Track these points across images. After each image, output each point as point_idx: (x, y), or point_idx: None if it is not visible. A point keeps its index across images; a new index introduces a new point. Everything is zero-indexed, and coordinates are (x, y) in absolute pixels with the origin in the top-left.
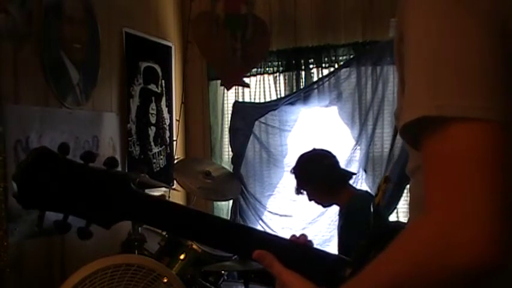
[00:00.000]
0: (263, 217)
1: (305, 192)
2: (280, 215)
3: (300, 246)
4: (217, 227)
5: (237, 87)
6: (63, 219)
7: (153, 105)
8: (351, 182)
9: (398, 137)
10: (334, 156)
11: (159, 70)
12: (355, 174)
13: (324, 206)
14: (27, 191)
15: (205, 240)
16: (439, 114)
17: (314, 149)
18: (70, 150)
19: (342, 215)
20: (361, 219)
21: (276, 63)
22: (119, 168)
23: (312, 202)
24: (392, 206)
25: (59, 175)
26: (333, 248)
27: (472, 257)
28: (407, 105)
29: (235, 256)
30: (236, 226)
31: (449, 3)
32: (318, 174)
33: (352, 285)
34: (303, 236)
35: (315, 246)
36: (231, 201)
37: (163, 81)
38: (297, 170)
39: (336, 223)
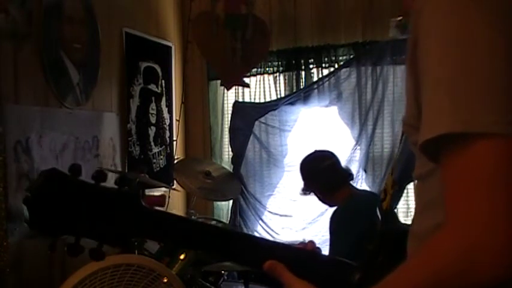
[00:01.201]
0: (263, 217)
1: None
2: (280, 215)
3: (308, 253)
4: (229, 241)
5: (237, 87)
6: (76, 241)
7: (153, 105)
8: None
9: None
10: (334, 157)
11: (159, 70)
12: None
13: (331, 206)
14: (39, 216)
15: (218, 254)
16: (463, 131)
17: (315, 151)
18: (81, 170)
19: (335, 213)
20: (357, 219)
21: (276, 63)
22: (119, 169)
23: (318, 202)
24: (392, 206)
25: (70, 197)
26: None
27: (494, 271)
28: (429, 119)
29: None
30: (246, 238)
31: (469, 12)
32: (317, 176)
33: None
34: (311, 243)
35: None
36: (231, 201)
37: (163, 81)
38: (301, 173)
39: None
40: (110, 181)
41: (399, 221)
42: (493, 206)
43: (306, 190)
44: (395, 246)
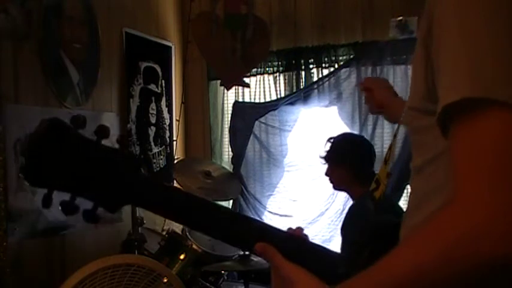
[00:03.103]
0: (263, 217)
1: (327, 165)
2: (280, 215)
3: (297, 239)
4: (222, 218)
5: (237, 87)
6: (71, 200)
7: (153, 105)
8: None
9: (398, 137)
10: (374, 155)
11: (159, 70)
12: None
13: (334, 188)
14: (35, 167)
15: (208, 231)
16: (483, 96)
17: (363, 137)
18: (86, 122)
19: (349, 209)
20: (364, 219)
21: (276, 63)
22: None
23: (323, 183)
24: (386, 195)
25: (70, 151)
26: (332, 247)
27: (499, 247)
28: (448, 88)
29: (236, 253)
30: (239, 217)
31: None
32: (353, 159)
33: (368, 276)
34: (299, 228)
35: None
36: (231, 201)
37: (163, 81)
38: (337, 143)
39: (337, 223)
40: None
41: (398, 207)
42: (504, 184)
43: (327, 160)
44: (384, 239)
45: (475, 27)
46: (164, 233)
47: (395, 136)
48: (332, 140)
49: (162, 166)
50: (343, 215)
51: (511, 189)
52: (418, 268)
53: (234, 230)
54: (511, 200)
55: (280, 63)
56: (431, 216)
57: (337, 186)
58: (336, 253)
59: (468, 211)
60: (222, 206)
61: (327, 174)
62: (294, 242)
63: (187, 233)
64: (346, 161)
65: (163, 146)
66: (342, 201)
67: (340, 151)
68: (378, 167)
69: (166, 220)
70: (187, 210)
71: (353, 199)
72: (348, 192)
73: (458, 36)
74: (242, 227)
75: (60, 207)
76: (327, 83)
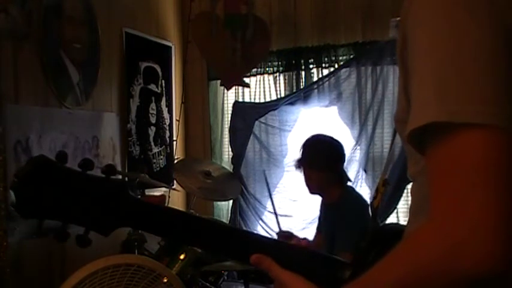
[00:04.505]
0: (263, 217)
1: (304, 171)
2: (280, 215)
3: (298, 248)
4: (215, 233)
5: (237, 87)
6: (62, 227)
7: (153, 105)
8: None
9: (398, 138)
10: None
11: (159, 70)
12: (351, 181)
13: (311, 193)
14: (25, 201)
15: (203, 246)
16: (448, 120)
17: (332, 137)
18: (68, 157)
19: (335, 210)
20: (357, 214)
21: (276, 63)
22: (119, 169)
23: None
24: (391, 206)
25: (57, 184)
26: None
27: (478, 264)
28: (415, 110)
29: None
30: (234, 231)
31: (455, 8)
32: (327, 163)
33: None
34: (305, 239)
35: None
36: (231, 201)
37: (163, 81)
38: (312, 148)
39: None
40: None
41: (380, 222)
42: (476, 201)
43: (301, 166)
44: (387, 245)
45: (440, 43)
46: None
47: (392, 142)
48: (306, 145)
49: (162, 166)
50: None
51: (480, 207)
52: (396, 284)
53: (230, 245)
54: (484, 217)
55: (280, 63)
56: (409, 235)
57: (314, 191)
58: (337, 259)
59: (447, 228)
60: (215, 222)
61: (305, 179)
62: (294, 251)
63: None
64: (325, 167)
65: (163, 146)
66: None
67: (316, 157)
68: (378, 167)
69: None
70: (179, 227)
71: (328, 201)
72: (323, 195)
73: (424, 53)
74: (238, 241)
75: (52, 235)
76: (327, 83)
